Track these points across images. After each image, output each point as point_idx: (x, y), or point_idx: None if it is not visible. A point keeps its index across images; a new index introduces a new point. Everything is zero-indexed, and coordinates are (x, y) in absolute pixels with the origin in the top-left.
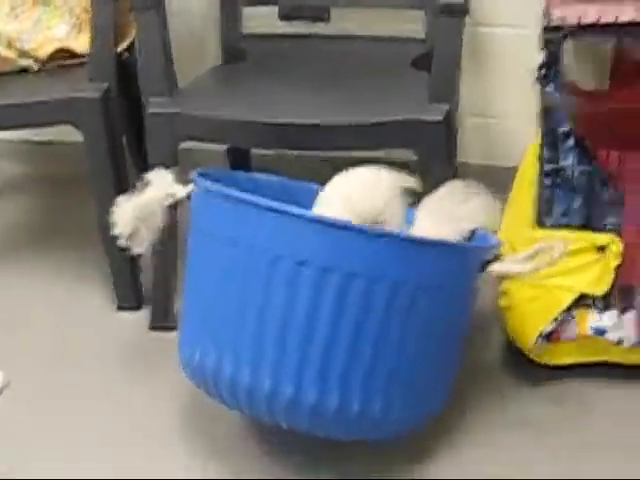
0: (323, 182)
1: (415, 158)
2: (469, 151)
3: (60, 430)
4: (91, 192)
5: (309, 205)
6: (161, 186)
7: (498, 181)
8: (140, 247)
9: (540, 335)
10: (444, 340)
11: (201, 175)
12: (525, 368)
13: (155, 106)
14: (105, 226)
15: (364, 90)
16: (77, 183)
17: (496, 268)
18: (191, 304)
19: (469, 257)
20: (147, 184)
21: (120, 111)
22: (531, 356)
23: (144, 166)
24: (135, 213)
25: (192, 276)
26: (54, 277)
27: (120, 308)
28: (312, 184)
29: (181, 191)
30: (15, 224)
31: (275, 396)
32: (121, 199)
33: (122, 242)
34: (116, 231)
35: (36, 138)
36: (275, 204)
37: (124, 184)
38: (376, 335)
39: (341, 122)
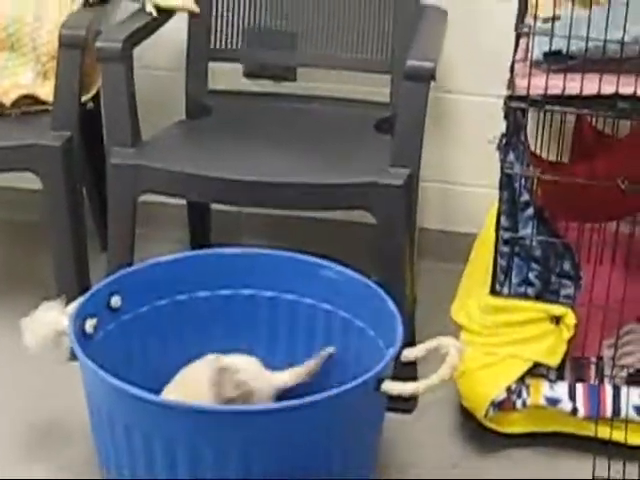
0: (280, 242)
1: (374, 221)
2: (429, 216)
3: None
4: (49, 239)
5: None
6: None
7: (457, 247)
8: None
9: (492, 403)
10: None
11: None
12: (478, 435)
13: (117, 157)
14: (60, 275)
15: (326, 151)
16: (35, 230)
17: (390, 388)
18: None
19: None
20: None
21: (81, 161)
22: (484, 423)
23: (103, 217)
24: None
25: None
26: (7, 323)
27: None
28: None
29: (63, 322)
30: None
31: None
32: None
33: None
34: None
35: None
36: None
37: (81, 234)
38: None
39: (300, 181)
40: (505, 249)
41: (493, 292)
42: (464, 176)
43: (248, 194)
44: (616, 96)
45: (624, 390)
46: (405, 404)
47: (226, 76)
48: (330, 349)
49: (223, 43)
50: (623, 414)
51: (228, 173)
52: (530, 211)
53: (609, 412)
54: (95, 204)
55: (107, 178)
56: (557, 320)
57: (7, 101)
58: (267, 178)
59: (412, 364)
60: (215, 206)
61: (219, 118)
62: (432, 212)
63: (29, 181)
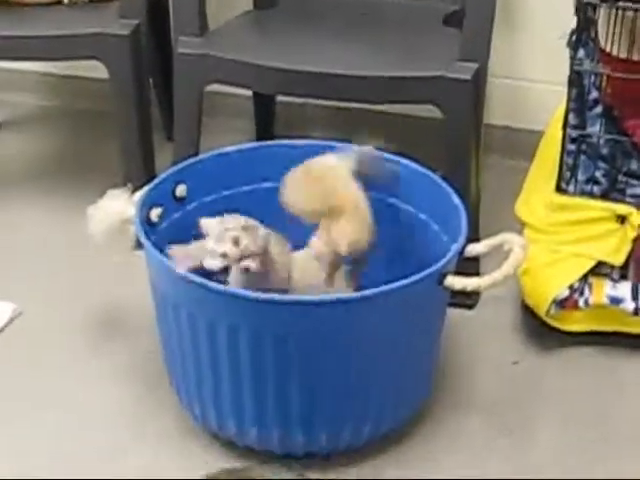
0: (344, 135)
1: (440, 116)
2: (495, 112)
3: (66, 364)
4: (115, 128)
5: None
6: (114, 204)
7: (523, 144)
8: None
9: (555, 301)
10: (403, 356)
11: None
12: (539, 333)
13: (185, 46)
14: (126, 163)
15: (394, 44)
16: (102, 119)
17: (453, 282)
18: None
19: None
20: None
21: (149, 50)
22: (546, 321)
23: (169, 107)
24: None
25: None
26: (73, 212)
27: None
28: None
29: (130, 211)
30: (36, 156)
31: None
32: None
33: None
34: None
35: (62, 72)
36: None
37: (147, 123)
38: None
39: (368, 74)
40: (572, 147)
41: (559, 190)
42: (532, 72)
43: (315, 86)
44: None
45: None
46: (467, 299)
47: None
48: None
49: None
50: None
51: (295, 64)
52: (598, 109)
53: None
54: (161, 94)
55: (174, 67)
56: (622, 219)
57: None
58: (334, 70)
59: (475, 260)
60: (281, 98)
61: (286, 9)
62: (499, 108)
63: (97, 70)
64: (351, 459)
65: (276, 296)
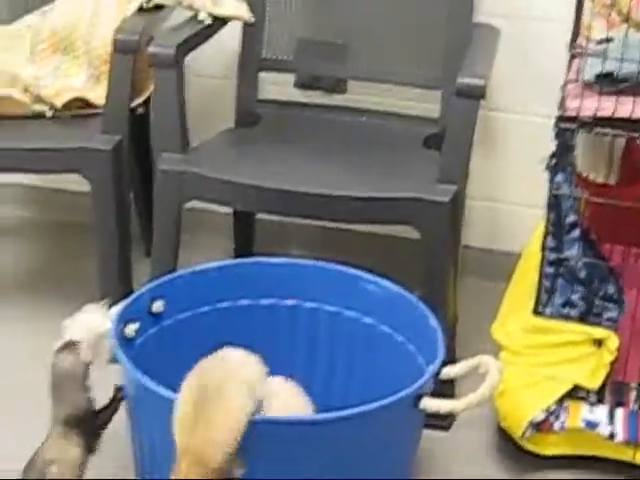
0: (323, 253)
1: (419, 237)
2: (473, 234)
3: None
4: (94, 242)
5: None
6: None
7: (500, 266)
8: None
9: (531, 424)
10: None
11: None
12: (515, 456)
13: (166, 162)
14: (104, 278)
15: (374, 165)
16: (82, 232)
17: (428, 405)
18: None
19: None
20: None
21: (130, 166)
22: (521, 444)
23: (149, 222)
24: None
25: None
26: (50, 324)
27: None
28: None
29: (106, 325)
30: (15, 267)
31: None
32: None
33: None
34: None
35: (44, 184)
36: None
37: (126, 238)
38: None
39: (347, 194)
40: (550, 270)
41: (536, 312)
42: (510, 195)
43: (294, 205)
44: None
45: None
46: (442, 421)
47: (276, 86)
48: None
49: (275, 53)
50: None
51: (274, 183)
52: (576, 233)
53: None
54: (141, 209)
55: (154, 183)
56: (599, 343)
57: (58, 103)
58: (314, 189)
59: (451, 382)
60: (260, 215)
61: (268, 127)
62: (476, 230)
63: (77, 183)
64: None
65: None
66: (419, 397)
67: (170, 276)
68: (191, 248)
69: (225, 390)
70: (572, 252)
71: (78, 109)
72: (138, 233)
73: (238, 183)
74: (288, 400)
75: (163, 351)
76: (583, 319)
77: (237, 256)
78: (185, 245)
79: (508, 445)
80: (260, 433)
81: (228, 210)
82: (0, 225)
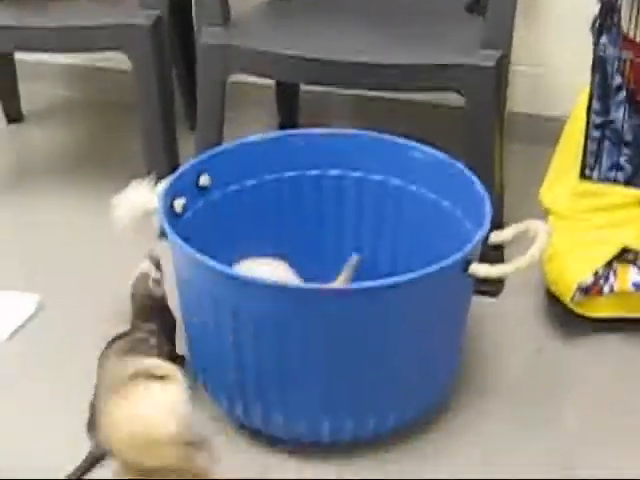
0: (367, 123)
1: (463, 104)
2: (518, 100)
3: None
4: (139, 119)
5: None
6: (138, 194)
7: (546, 131)
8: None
9: (579, 287)
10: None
11: (170, 183)
12: (563, 320)
13: (208, 36)
14: (149, 154)
15: (417, 32)
16: (125, 110)
17: (478, 270)
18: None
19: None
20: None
21: (171, 40)
22: (570, 308)
23: (192, 97)
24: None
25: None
26: (97, 202)
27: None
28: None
29: (153, 201)
30: (60, 147)
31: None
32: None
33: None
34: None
35: (86, 63)
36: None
37: (170, 114)
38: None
39: (391, 62)
40: (596, 133)
41: (583, 176)
42: (555, 59)
43: (338, 74)
44: None
45: None
46: (491, 287)
47: None
48: (355, 257)
49: None
50: None
51: (318, 53)
52: (622, 95)
53: None
54: (184, 84)
55: (197, 58)
56: None
57: None
58: (357, 58)
59: (499, 247)
60: (304, 87)
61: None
62: (522, 95)
63: (120, 61)
64: (375, 447)
65: (302, 284)
66: (468, 262)
67: (216, 150)
68: (235, 122)
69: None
70: (618, 114)
71: None
72: (182, 110)
73: (281, 54)
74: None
75: (211, 225)
76: (630, 182)
77: (281, 129)
78: (229, 120)
79: (557, 309)
80: (311, 302)
81: (272, 83)
82: (42, 104)
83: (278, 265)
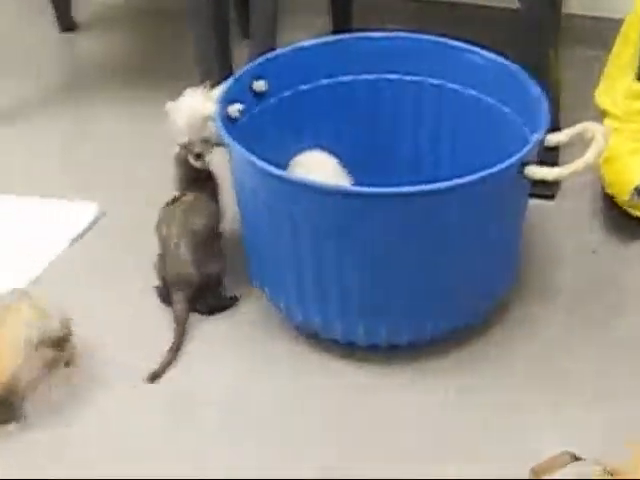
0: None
1: (518, 6)
2: (575, 1)
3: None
4: (192, 25)
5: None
6: (193, 101)
7: (602, 33)
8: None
9: (637, 189)
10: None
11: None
12: (619, 222)
13: None
14: (203, 61)
15: None
16: (178, 18)
17: (534, 172)
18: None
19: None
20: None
21: None
22: (626, 210)
23: (244, 4)
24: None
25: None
26: (152, 110)
27: None
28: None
29: (210, 107)
30: (114, 55)
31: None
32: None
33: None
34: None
35: None
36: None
37: (224, 20)
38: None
39: None
40: None
41: (639, 78)
42: None
43: None
44: None
45: None
46: (547, 190)
47: None
48: None
49: None
50: None
51: None
52: None
53: None
54: None
55: None
56: None
57: None
58: None
59: (555, 150)
60: None
61: None
62: None
63: None
64: (435, 350)
65: (358, 188)
66: (525, 164)
67: (271, 54)
68: (289, 27)
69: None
70: None
71: None
72: (234, 17)
73: None
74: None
75: (267, 130)
76: None
77: (335, 33)
78: (283, 24)
79: (613, 212)
80: (370, 205)
81: None
82: (96, 13)
83: (329, 162)
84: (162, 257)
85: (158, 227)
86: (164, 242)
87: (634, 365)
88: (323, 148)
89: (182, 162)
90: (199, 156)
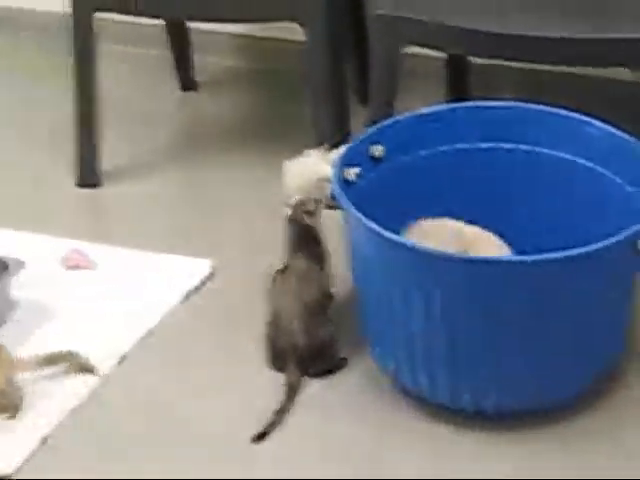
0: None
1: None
2: None
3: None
4: (311, 89)
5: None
6: (314, 161)
7: None
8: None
9: None
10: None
11: (345, 152)
12: None
13: (380, 7)
14: (320, 125)
15: (588, 4)
16: (295, 81)
17: None
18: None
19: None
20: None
21: (345, 11)
22: None
23: (362, 70)
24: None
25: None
26: (267, 171)
27: None
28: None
29: (327, 171)
30: (231, 116)
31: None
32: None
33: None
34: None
35: (257, 33)
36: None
37: (342, 84)
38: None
39: (562, 35)
40: None
41: None
42: None
43: (508, 47)
44: None
45: None
46: None
47: None
48: None
49: None
50: None
51: (488, 25)
52: None
53: None
54: (356, 58)
55: (369, 29)
56: None
57: None
58: (529, 32)
59: None
60: (475, 60)
61: None
62: None
63: (291, 32)
64: (540, 421)
65: (478, 257)
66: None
67: (389, 120)
68: (405, 94)
69: None
70: None
71: None
72: (353, 83)
73: (451, 26)
74: (487, 249)
75: (383, 195)
76: None
77: (451, 102)
78: (400, 91)
79: None
80: (477, 274)
81: (442, 55)
82: (216, 74)
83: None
84: (274, 327)
85: (270, 296)
86: (276, 313)
87: None
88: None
89: (293, 222)
90: (310, 213)
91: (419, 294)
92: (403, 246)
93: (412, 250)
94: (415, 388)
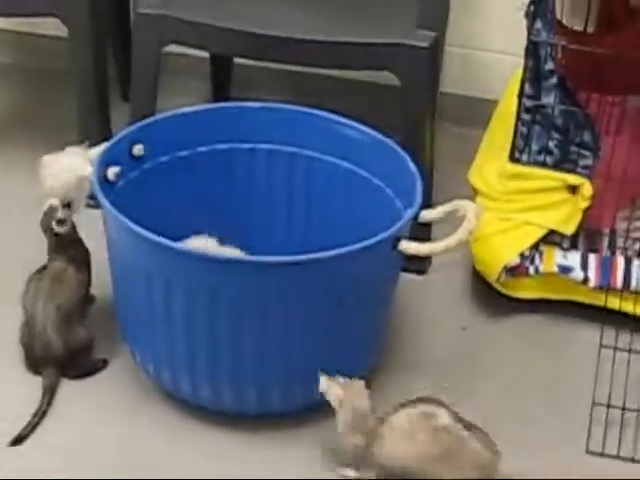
0: (300, 98)
1: (397, 83)
2: (451, 81)
3: None
4: (73, 86)
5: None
6: (71, 159)
7: (477, 112)
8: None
9: (505, 268)
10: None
11: (105, 151)
12: (489, 299)
13: (144, 6)
14: (83, 122)
15: (352, 9)
16: (56, 77)
17: (407, 247)
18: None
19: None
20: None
21: (107, 8)
22: (496, 287)
23: (125, 66)
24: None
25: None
26: (28, 168)
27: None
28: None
29: (87, 170)
30: None
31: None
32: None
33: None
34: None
35: (17, 28)
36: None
37: (104, 81)
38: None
39: (326, 39)
40: (526, 117)
41: (512, 159)
42: (488, 42)
43: (272, 49)
44: None
45: (635, 262)
46: (419, 265)
47: None
48: None
49: None
50: (633, 286)
51: (254, 27)
52: (554, 80)
53: (620, 283)
54: (118, 53)
55: (132, 27)
56: (574, 190)
57: None
58: (293, 34)
59: (427, 226)
60: (238, 60)
61: None
62: (454, 76)
63: (52, 27)
64: (301, 420)
65: (233, 256)
66: (398, 239)
67: (150, 119)
68: (169, 92)
69: None
70: (549, 99)
71: None
72: (114, 77)
73: (214, 26)
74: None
75: (143, 195)
76: (558, 166)
77: (215, 101)
78: (163, 89)
79: (483, 288)
80: (236, 273)
81: (206, 55)
82: None
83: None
84: (27, 330)
85: (24, 298)
86: (30, 316)
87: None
88: (198, 214)
89: (46, 229)
90: (61, 222)
91: (172, 293)
92: (159, 245)
93: (159, 246)
94: (176, 390)
